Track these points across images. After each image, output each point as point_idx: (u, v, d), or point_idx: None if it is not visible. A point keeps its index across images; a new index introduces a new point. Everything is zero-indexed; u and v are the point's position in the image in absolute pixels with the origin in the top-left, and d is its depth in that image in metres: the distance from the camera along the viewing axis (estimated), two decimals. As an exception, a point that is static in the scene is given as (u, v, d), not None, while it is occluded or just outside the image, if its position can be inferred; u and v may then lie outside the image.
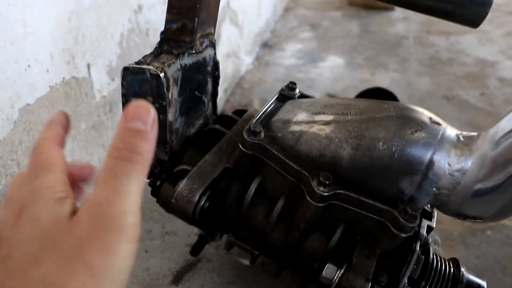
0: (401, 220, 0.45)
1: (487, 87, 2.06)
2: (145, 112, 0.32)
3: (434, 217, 0.53)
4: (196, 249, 0.59)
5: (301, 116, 0.49)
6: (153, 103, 0.49)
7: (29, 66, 0.82)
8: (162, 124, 0.51)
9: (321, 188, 0.44)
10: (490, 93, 2.01)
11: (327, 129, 0.47)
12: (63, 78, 0.94)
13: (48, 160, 0.36)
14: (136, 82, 0.48)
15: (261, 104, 1.73)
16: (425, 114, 0.48)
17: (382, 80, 2.07)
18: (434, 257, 0.52)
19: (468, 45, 2.48)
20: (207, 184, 0.47)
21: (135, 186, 0.31)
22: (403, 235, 0.45)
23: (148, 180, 0.56)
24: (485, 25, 0.57)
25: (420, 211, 0.47)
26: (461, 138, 0.47)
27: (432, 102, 1.89)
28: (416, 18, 2.85)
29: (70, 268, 0.29)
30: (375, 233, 0.47)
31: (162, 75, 0.47)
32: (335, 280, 0.45)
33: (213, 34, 0.57)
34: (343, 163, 0.46)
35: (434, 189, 0.47)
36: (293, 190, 0.48)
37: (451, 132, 0.48)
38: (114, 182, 0.31)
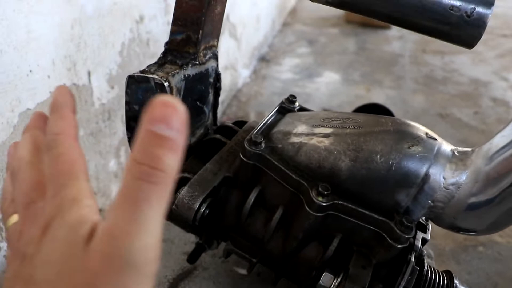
0: (397, 231, 0.46)
1: (480, 106, 2.09)
2: (173, 112, 0.26)
3: (428, 229, 0.54)
4: (193, 257, 0.60)
5: (301, 128, 0.51)
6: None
7: (31, 71, 0.82)
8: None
9: (320, 198, 0.45)
10: (483, 112, 2.04)
11: (326, 142, 0.48)
12: (64, 84, 0.95)
13: (70, 163, 0.33)
14: (140, 90, 0.50)
15: (257, 116, 1.75)
16: (421, 129, 0.50)
17: (377, 97, 2.09)
18: (428, 268, 0.53)
19: (462, 65, 2.52)
20: (208, 192, 0.48)
21: (157, 213, 0.26)
22: (399, 246, 0.46)
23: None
24: (479, 47, 0.59)
25: (416, 223, 0.48)
26: (456, 153, 0.49)
27: (427, 120, 1.91)
28: (412, 37, 2.89)
29: None
30: (371, 243, 0.49)
31: (166, 84, 0.48)
32: (331, 288, 0.46)
33: (216, 46, 0.58)
34: (342, 174, 0.47)
35: (430, 201, 0.48)
36: (292, 200, 0.49)
37: (447, 147, 0.49)
38: (132, 209, 0.26)
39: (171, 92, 0.49)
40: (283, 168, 0.48)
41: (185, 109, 0.26)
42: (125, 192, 0.26)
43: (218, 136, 0.57)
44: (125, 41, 1.15)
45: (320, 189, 0.46)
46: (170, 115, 0.26)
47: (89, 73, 1.01)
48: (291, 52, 2.53)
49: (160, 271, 0.85)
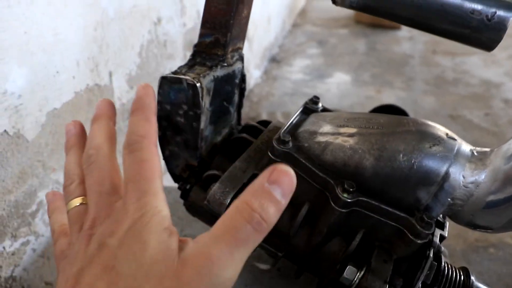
0: (418, 227, 0.48)
1: (491, 107, 2.10)
2: (289, 183, 0.31)
3: (446, 227, 0.56)
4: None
5: (326, 128, 0.53)
6: (187, 111, 0.53)
7: (57, 72, 0.86)
8: (195, 131, 0.54)
9: (345, 195, 0.48)
10: (494, 114, 2.05)
11: (351, 141, 0.50)
12: (87, 84, 0.98)
13: (153, 171, 0.34)
14: (172, 91, 0.52)
15: (269, 116, 1.77)
16: (442, 129, 0.52)
17: (388, 98, 2.11)
18: (446, 264, 0.55)
19: (473, 66, 2.53)
20: (238, 188, 0.50)
21: (247, 254, 0.30)
22: (419, 241, 0.48)
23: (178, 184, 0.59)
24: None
25: (435, 219, 0.50)
26: (475, 153, 0.51)
27: (437, 121, 1.92)
28: (422, 38, 2.90)
29: None
30: (392, 239, 0.51)
31: (198, 85, 0.51)
32: (355, 281, 0.49)
33: (242, 49, 0.60)
34: (366, 172, 0.49)
35: (449, 199, 0.50)
36: (317, 197, 0.51)
37: (466, 147, 0.51)
38: (233, 244, 0.30)
39: (202, 93, 0.52)
40: (309, 166, 0.50)
41: (295, 182, 0.31)
42: (230, 227, 0.30)
43: (244, 135, 0.59)
44: (144, 43, 1.18)
45: (346, 186, 0.48)
46: (287, 185, 0.31)
47: (110, 74, 1.04)
48: (302, 52, 2.56)
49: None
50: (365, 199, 0.48)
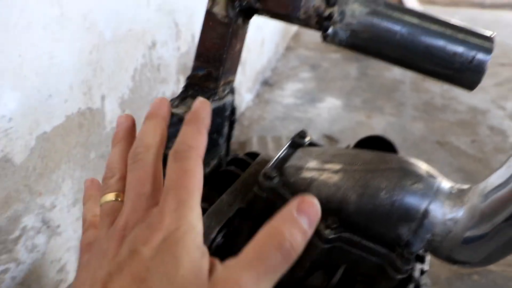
0: (398, 262, 0.49)
1: (478, 134, 2.14)
2: (316, 213, 0.32)
3: (426, 261, 0.58)
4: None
5: (312, 163, 0.55)
6: (177, 143, 0.54)
7: (50, 95, 0.87)
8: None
9: (328, 231, 0.49)
10: (480, 141, 2.08)
11: (335, 177, 0.52)
12: (79, 108, 0.99)
13: (194, 183, 0.34)
14: (164, 124, 0.53)
15: (259, 141, 1.79)
16: (423, 167, 0.54)
17: (378, 123, 2.14)
18: (426, 298, 0.56)
19: (461, 93, 2.58)
20: (223, 223, 0.51)
21: (271, 285, 0.31)
22: (399, 276, 0.50)
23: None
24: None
25: (415, 255, 0.52)
26: (454, 190, 0.53)
27: (426, 147, 1.96)
28: (412, 65, 2.94)
29: None
30: (373, 274, 0.52)
31: (188, 119, 0.52)
32: (336, 315, 0.50)
33: (233, 81, 0.62)
34: (349, 208, 0.51)
35: (429, 235, 0.52)
36: (301, 231, 0.52)
37: (446, 184, 0.53)
38: (262, 271, 0.30)
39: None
40: (294, 201, 0.51)
41: (320, 212, 0.33)
42: (260, 253, 0.30)
43: (232, 168, 0.61)
44: (138, 66, 1.20)
45: (329, 222, 0.49)
46: (314, 215, 0.32)
47: (103, 97, 1.05)
48: (294, 76, 2.59)
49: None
50: (348, 235, 0.50)
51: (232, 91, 0.62)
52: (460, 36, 0.47)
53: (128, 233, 0.32)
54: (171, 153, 0.36)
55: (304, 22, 0.50)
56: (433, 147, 2.04)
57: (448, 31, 0.47)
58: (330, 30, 0.48)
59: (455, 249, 0.52)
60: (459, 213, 0.51)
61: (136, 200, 0.35)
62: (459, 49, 0.47)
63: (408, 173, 0.52)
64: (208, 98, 0.57)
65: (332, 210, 0.51)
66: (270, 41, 2.58)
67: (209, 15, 0.53)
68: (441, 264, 1.24)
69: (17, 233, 0.81)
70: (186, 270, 0.29)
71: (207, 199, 0.57)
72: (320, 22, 0.49)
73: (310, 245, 0.51)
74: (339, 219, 0.50)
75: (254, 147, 1.69)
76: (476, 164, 1.91)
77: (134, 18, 1.09)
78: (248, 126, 1.95)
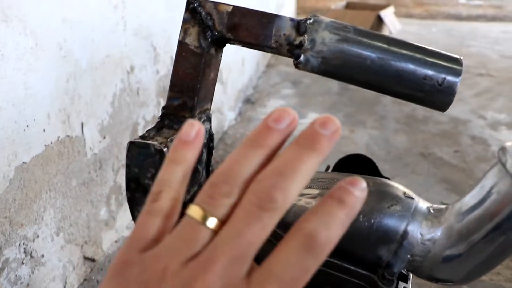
0: (380, 284, 0.50)
1: (460, 144, 2.16)
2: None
3: (409, 279, 0.58)
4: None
5: (290, 188, 0.55)
6: (155, 174, 0.54)
7: (27, 126, 0.86)
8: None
9: (308, 256, 0.49)
10: (463, 151, 2.11)
11: (313, 202, 0.52)
12: (58, 137, 0.98)
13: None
14: (141, 155, 0.53)
15: (244, 159, 1.79)
16: (400, 189, 0.54)
17: (361, 138, 2.16)
18: (410, 318, 0.57)
19: (441, 105, 2.61)
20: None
21: None
22: (382, 297, 0.50)
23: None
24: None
25: (397, 275, 0.52)
26: (431, 211, 0.53)
27: (409, 159, 1.98)
28: (392, 78, 2.98)
29: None
30: (356, 296, 0.52)
31: (165, 149, 0.52)
32: None
33: (209, 109, 0.62)
34: (328, 233, 0.51)
35: (409, 256, 0.52)
36: (281, 257, 0.53)
37: (423, 205, 0.54)
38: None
39: (169, 156, 0.53)
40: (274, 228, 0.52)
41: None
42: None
43: (211, 194, 0.61)
44: (117, 92, 1.20)
45: (308, 247, 0.49)
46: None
47: (82, 125, 1.05)
48: (276, 93, 2.60)
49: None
50: (328, 259, 0.50)
51: (208, 119, 0.62)
52: (430, 59, 0.48)
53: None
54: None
55: (276, 51, 0.51)
56: (417, 159, 2.06)
57: (418, 55, 0.48)
58: (301, 58, 0.49)
59: (435, 268, 0.53)
60: (437, 233, 0.51)
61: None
62: (429, 72, 0.48)
63: (385, 195, 0.52)
64: (184, 127, 0.57)
65: (311, 235, 0.51)
66: (250, 59, 2.59)
67: (182, 45, 0.54)
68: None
69: (-2, 266, 0.80)
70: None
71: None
72: (292, 50, 0.49)
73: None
74: (318, 244, 0.50)
75: (238, 166, 1.69)
76: (459, 174, 1.93)
77: (111, 44, 1.09)
78: (231, 145, 1.95)
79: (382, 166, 0.80)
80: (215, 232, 0.27)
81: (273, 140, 0.29)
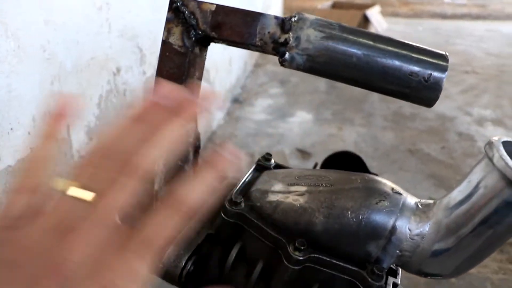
0: (369, 279, 0.50)
1: (447, 141, 2.18)
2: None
3: (399, 274, 0.58)
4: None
5: (278, 186, 0.55)
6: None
7: (11, 129, 0.85)
8: (149, 193, 0.55)
9: (297, 253, 0.49)
10: (449, 147, 2.12)
11: (301, 200, 0.52)
12: (44, 140, 0.97)
13: None
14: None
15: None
16: (388, 185, 0.54)
17: (349, 135, 2.16)
18: (400, 313, 0.57)
19: (428, 101, 2.63)
20: (192, 250, 0.51)
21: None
22: (371, 293, 0.50)
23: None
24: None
25: (386, 270, 0.52)
26: (420, 206, 0.53)
27: (397, 156, 1.99)
28: (379, 75, 3.00)
29: None
30: (347, 291, 0.52)
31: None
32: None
33: (195, 108, 0.62)
34: (316, 230, 0.51)
35: (397, 251, 0.52)
36: (271, 255, 0.52)
37: (411, 200, 0.54)
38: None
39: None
40: (262, 225, 0.51)
41: None
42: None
43: (199, 194, 0.60)
44: (103, 93, 1.19)
45: (297, 244, 0.49)
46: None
47: (68, 127, 1.03)
48: (264, 92, 2.60)
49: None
50: (317, 256, 0.50)
51: (194, 118, 0.62)
52: (415, 55, 0.48)
53: None
54: None
55: (261, 49, 0.51)
56: (404, 156, 2.07)
57: (403, 52, 0.48)
58: (287, 56, 0.49)
59: (424, 263, 0.53)
60: (426, 228, 0.52)
61: None
62: (415, 68, 0.48)
63: (373, 192, 0.52)
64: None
65: (300, 232, 0.51)
66: (238, 58, 2.59)
67: (165, 45, 0.53)
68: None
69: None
70: None
71: (175, 228, 0.57)
72: (277, 48, 0.49)
73: (280, 267, 0.51)
74: (307, 241, 0.50)
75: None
76: (447, 170, 1.95)
77: (96, 46, 1.08)
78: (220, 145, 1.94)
79: (370, 163, 0.80)
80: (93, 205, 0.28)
81: (156, 116, 0.31)
